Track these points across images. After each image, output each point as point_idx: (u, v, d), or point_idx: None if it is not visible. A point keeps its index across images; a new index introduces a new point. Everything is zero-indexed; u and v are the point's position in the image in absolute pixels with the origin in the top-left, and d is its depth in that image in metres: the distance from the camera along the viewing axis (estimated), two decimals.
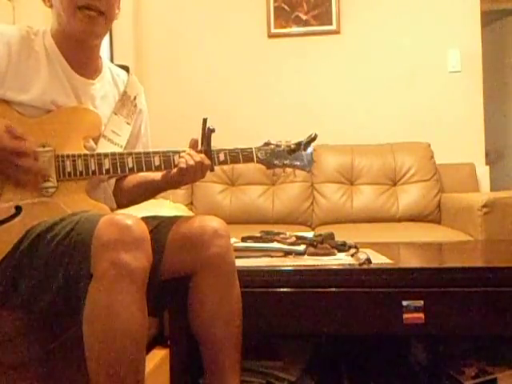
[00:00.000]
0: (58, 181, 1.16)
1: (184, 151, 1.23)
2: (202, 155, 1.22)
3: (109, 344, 0.94)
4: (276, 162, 1.29)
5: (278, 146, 1.30)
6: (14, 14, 2.79)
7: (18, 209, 1.12)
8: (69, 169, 1.16)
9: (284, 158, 1.30)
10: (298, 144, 1.30)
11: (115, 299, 0.94)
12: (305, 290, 1.25)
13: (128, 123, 1.33)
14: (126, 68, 1.41)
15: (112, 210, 1.30)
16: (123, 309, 0.95)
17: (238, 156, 1.27)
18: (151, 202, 1.46)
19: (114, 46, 3.11)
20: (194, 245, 1.16)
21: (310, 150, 1.31)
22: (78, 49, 1.23)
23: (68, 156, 1.17)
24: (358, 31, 3.18)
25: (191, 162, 1.20)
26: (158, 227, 1.19)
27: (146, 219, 1.18)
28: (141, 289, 0.98)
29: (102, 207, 1.20)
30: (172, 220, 1.23)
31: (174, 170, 1.22)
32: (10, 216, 1.11)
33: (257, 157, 1.28)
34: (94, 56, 1.29)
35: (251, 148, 1.28)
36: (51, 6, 1.20)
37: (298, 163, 1.30)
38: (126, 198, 1.37)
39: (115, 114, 1.30)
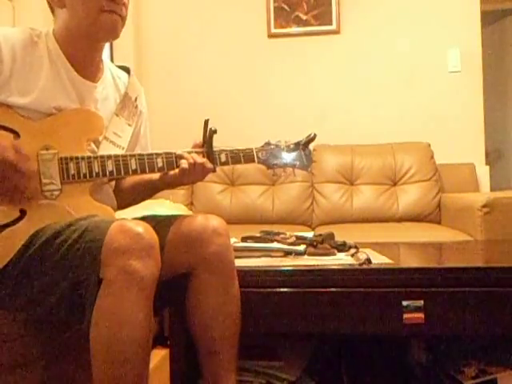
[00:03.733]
0: (61, 183, 1.15)
1: (187, 152, 1.23)
2: (205, 159, 1.22)
3: (114, 350, 0.94)
4: (276, 162, 1.30)
5: (277, 146, 1.31)
6: (14, 14, 2.79)
7: (23, 212, 1.12)
8: (72, 171, 1.16)
9: (284, 158, 1.30)
10: (297, 144, 1.32)
11: (123, 306, 0.95)
12: (305, 290, 1.25)
13: (129, 125, 1.33)
14: (126, 69, 1.41)
15: (114, 209, 1.31)
16: (131, 316, 0.95)
17: (239, 157, 1.27)
18: (151, 201, 1.46)
19: (113, 46, 3.11)
20: (194, 243, 1.16)
21: (308, 149, 1.32)
22: (86, 50, 1.23)
23: (72, 158, 1.16)
24: (358, 31, 3.18)
25: (193, 163, 1.20)
26: (158, 226, 1.19)
27: (145, 218, 1.18)
28: (149, 296, 0.98)
29: (106, 209, 1.20)
30: (171, 219, 1.23)
31: (176, 171, 1.22)
32: (14, 219, 1.11)
33: (257, 157, 1.28)
34: (98, 58, 1.29)
35: (252, 148, 1.29)
36: (64, 6, 1.19)
37: (298, 163, 1.31)
38: (124, 198, 1.36)
39: (116, 115, 1.30)
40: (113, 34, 1.21)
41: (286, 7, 3.20)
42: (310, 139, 1.32)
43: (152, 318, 1.00)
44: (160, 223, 1.21)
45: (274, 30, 3.22)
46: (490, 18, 3.85)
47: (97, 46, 1.25)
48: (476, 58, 3.07)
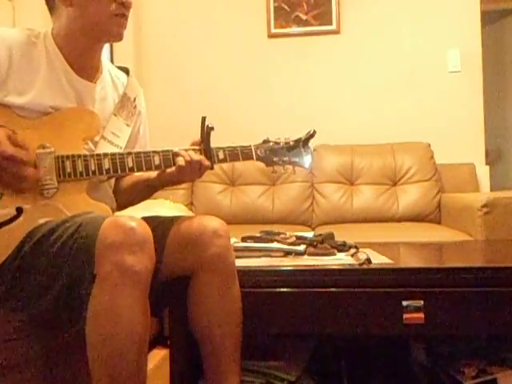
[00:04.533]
0: (58, 182, 1.15)
1: (184, 150, 1.23)
2: (202, 156, 1.22)
3: (111, 346, 0.94)
4: (275, 159, 1.29)
5: (276, 143, 1.30)
6: (14, 14, 2.79)
7: (19, 210, 1.12)
8: (69, 169, 1.16)
9: (283, 155, 1.30)
10: (297, 141, 1.31)
11: (118, 301, 0.95)
12: (305, 290, 1.25)
13: (127, 125, 1.33)
14: (125, 70, 1.41)
15: (113, 210, 1.31)
16: (126, 311, 0.95)
17: (238, 154, 1.27)
18: (151, 201, 1.45)
19: (113, 47, 3.11)
20: (194, 245, 1.16)
21: (308, 146, 1.31)
22: (86, 50, 1.23)
23: (68, 157, 1.17)
24: (358, 31, 3.18)
25: (190, 161, 1.20)
26: (158, 227, 1.19)
27: (146, 219, 1.18)
28: (144, 291, 0.98)
29: (103, 207, 1.20)
30: (172, 220, 1.23)
31: (173, 168, 1.22)
32: (11, 218, 1.11)
33: (256, 154, 1.28)
34: (97, 58, 1.29)
35: (250, 145, 1.28)
36: (71, 6, 1.18)
37: (297, 160, 1.30)
38: (123, 198, 1.37)
39: (115, 115, 1.30)
40: (119, 36, 1.23)
41: (286, 7, 3.20)
42: (310, 136, 1.31)
43: (148, 313, 0.99)
44: (160, 224, 1.21)
45: (274, 30, 3.22)
46: (489, 18, 3.85)
47: (98, 46, 1.26)
48: (476, 58, 3.07)
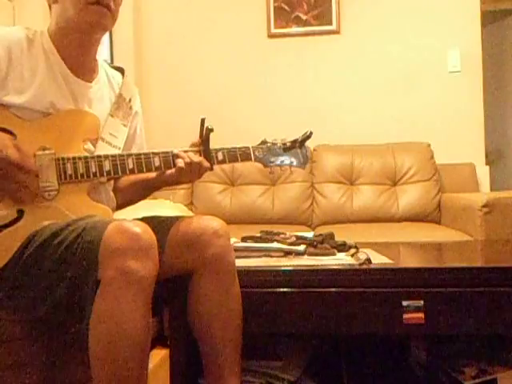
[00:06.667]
0: (59, 184, 1.15)
1: (183, 151, 1.23)
2: (202, 158, 1.22)
3: (113, 351, 0.94)
4: (273, 159, 1.30)
5: (274, 144, 1.31)
6: (14, 14, 2.79)
7: (20, 213, 1.12)
8: (70, 171, 1.16)
9: (280, 156, 1.31)
10: (294, 142, 1.32)
11: (121, 306, 0.95)
12: (305, 290, 1.25)
13: (124, 125, 1.33)
14: (121, 70, 1.41)
15: (113, 210, 1.31)
16: (129, 316, 0.95)
17: (236, 155, 1.27)
18: (151, 201, 1.45)
19: (113, 47, 3.11)
20: (194, 245, 1.16)
21: (305, 147, 1.32)
22: (79, 47, 1.23)
23: (69, 159, 1.17)
24: (357, 31, 3.18)
25: (189, 163, 1.20)
26: (158, 227, 1.19)
27: (146, 219, 1.18)
28: (147, 296, 0.98)
29: (104, 209, 1.20)
30: (172, 220, 1.23)
31: (172, 170, 1.22)
32: (12, 220, 1.11)
33: (254, 155, 1.29)
34: (92, 56, 1.29)
35: (248, 147, 1.29)
36: (56, 2, 1.19)
37: (294, 160, 1.31)
38: (122, 197, 1.37)
39: (111, 116, 1.30)
40: (99, 26, 1.21)
41: (286, 7, 3.20)
42: (307, 137, 1.32)
43: (150, 318, 1.00)
44: (160, 224, 1.21)
45: (273, 30, 3.22)
46: (490, 18, 3.85)
47: (89, 42, 1.24)
48: (476, 58, 3.07)
